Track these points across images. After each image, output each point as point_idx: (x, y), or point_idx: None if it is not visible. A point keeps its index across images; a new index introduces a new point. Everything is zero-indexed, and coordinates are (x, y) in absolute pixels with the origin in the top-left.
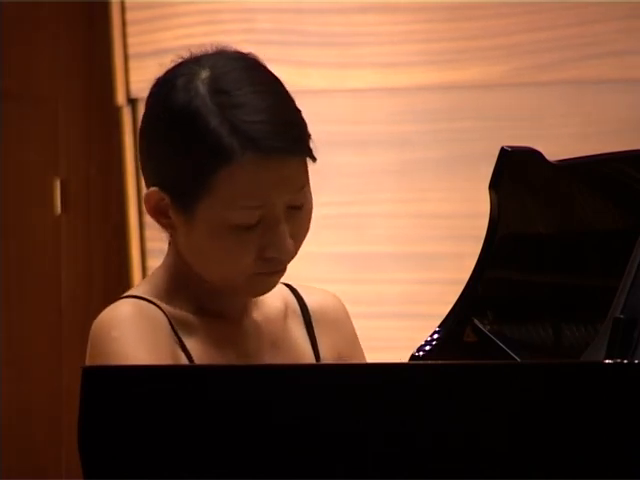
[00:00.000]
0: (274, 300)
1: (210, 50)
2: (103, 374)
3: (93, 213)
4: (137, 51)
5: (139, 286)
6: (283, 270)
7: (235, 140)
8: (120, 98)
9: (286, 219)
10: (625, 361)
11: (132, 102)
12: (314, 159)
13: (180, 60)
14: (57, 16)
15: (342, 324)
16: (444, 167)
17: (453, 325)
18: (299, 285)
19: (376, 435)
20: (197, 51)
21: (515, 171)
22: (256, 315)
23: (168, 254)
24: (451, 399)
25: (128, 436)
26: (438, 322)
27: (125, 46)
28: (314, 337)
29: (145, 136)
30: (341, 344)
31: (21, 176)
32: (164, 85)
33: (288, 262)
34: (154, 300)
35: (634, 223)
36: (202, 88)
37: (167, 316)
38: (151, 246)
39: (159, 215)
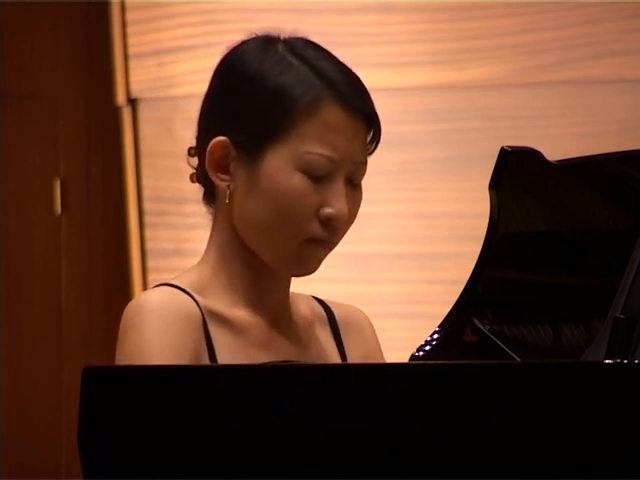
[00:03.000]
0: (303, 308)
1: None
2: (103, 374)
3: (93, 213)
4: (137, 51)
5: (184, 274)
6: (332, 246)
7: (319, 81)
8: (120, 98)
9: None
10: (625, 361)
11: (132, 102)
12: (377, 144)
13: (253, 35)
14: (57, 16)
15: (368, 336)
16: (444, 167)
17: (453, 325)
18: (325, 298)
19: (375, 435)
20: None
21: (515, 171)
22: (289, 318)
23: (214, 231)
24: (451, 399)
25: (128, 436)
26: (438, 322)
27: (125, 46)
28: (342, 345)
29: (216, 87)
30: (367, 355)
31: (21, 176)
32: (241, 44)
33: (339, 238)
34: (191, 292)
35: (634, 223)
36: (281, 49)
37: (201, 309)
38: (151, 246)
39: (218, 170)
